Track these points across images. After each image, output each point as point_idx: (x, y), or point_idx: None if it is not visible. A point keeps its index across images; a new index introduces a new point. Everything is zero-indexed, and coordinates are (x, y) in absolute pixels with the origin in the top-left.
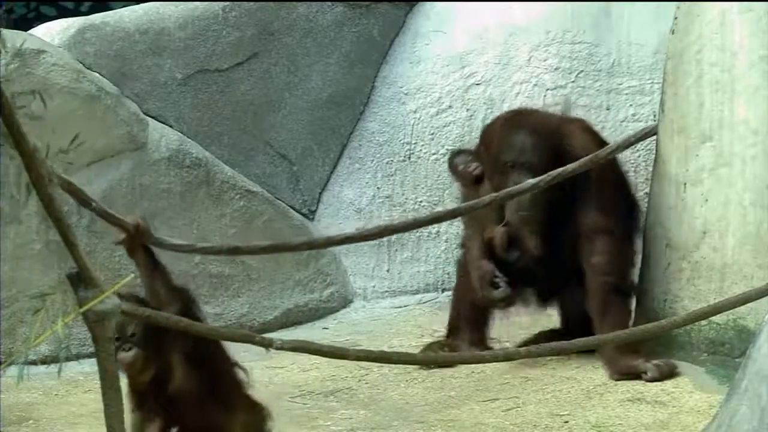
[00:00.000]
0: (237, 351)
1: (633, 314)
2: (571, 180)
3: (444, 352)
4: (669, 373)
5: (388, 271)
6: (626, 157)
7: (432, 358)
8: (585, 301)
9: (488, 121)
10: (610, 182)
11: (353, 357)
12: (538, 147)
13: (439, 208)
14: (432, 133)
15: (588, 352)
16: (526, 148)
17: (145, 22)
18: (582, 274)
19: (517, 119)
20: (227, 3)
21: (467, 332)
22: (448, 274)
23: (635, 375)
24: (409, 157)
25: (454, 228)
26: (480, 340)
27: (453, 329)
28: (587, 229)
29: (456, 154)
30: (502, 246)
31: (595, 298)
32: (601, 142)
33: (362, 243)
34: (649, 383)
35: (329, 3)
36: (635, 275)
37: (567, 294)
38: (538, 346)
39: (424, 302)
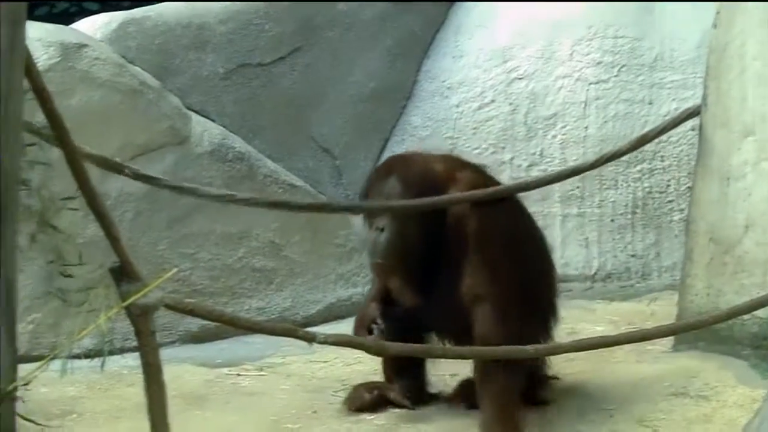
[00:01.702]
0: (280, 345)
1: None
2: (453, 231)
3: (371, 394)
4: None
5: None
6: (668, 152)
7: (472, 352)
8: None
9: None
10: (491, 238)
11: (395, 351)
12: (404, 196)
13: None
14: (474, 128)
15: (633, 345)
16: (390, 195)
17: (187, 16)
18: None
19: (395, 164)
20: None
21: (399, 379)
22: None
23: None
24: (452, 152)
25: None
26: (415, 386)
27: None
28: (466, 297)
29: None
30: (396, 292)
31: (476, 368)
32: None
33: None
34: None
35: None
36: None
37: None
38: (581, 340)
39: None
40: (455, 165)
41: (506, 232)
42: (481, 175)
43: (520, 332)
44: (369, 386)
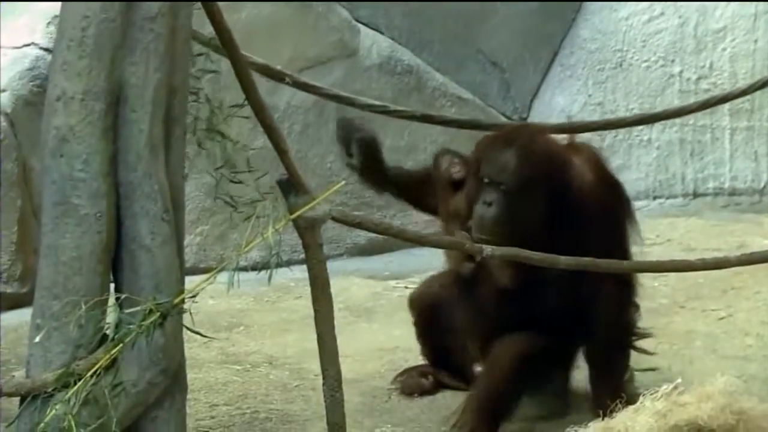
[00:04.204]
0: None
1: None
2: (567, 215)
3: (427, 380)
4: None
5: None
6: None
7: (640, 265)
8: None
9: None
10: (618, 218)
11: (564, 265)
12: (522, 171)
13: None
14: (643, 40)
15: None
16: (507, 168)
17: None
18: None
19: (513, 136)
20: None
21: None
22: (659, 182)
23: None
24: (621, 65)
25: (666, 135)
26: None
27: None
28: (593, 276)
29: (444, 152)
30: (459, 255)
31: (597, 352)
32: (610, 182)
33: None
34: None
35: None
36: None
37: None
38: (749, 254)
39: (635, 210)
40: (571, 146)
41: (629, 207)
42: (584, 143)
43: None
44: (421, 371)
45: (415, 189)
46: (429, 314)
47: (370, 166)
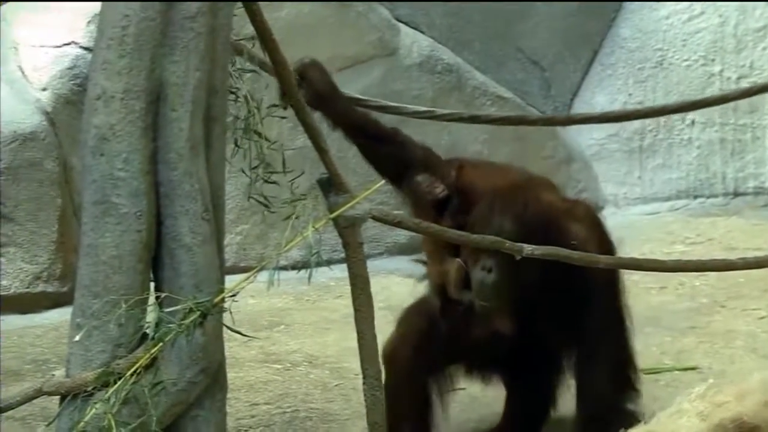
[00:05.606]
0: None
1: None
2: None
3: None
4: None
5: (639, 177)
6: None
7: (681, 264)
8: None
9: (479, 170)
10: (617, 290)
11: (603, 264)
12: (518, 237)
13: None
14: (684, 40)
15: None
16: (502, 233)
17: None
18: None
19: (509, 198)
20: None
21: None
22: (700, 180)
23: None
24: (661, 63)
25: (707, 134)
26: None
27: None
28: (588, 347)
29: (419, 171)
30: (456, 284)
31: (585, 422)
32: (607, 246)
33: (615, 149)
34: None
35: None
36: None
37: (521, 386)
38: None
39: (675, 209)
40: (569, 206)
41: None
42: (584, 204)
43: None
44: None
45: (374, 140)
46: (408, 374)
47: (321, 95)
